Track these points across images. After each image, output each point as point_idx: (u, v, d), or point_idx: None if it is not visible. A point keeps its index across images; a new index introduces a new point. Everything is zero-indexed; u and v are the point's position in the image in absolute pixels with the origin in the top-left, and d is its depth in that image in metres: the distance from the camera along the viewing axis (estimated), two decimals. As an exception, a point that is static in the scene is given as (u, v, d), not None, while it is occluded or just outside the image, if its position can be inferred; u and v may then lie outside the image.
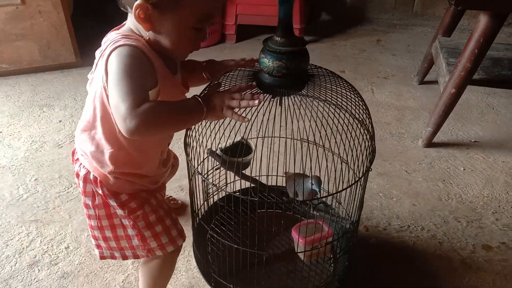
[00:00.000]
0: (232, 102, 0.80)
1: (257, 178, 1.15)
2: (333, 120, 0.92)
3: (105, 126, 0.88)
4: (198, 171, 0.97)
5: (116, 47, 0.78)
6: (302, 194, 0.99)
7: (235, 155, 0.97)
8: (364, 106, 0.97)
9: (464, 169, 1.67)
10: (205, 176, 0.98)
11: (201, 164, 1.10)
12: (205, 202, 1.19)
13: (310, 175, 0.98)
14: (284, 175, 1.23)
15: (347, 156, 0.98)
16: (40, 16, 2.19)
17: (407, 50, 2.74)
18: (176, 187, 1.52)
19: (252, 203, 1.15)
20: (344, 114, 0.94)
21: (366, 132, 0.98)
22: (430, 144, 1.80)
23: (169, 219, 0.99)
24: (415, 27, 3.10)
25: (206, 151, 1.06)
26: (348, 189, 0.97)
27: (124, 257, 1.02)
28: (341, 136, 0.92)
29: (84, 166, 0.95)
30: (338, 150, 0.97)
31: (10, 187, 1.55)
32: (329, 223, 1.07)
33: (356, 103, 0.96)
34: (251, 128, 0.93)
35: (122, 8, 0.84)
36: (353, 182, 0.95)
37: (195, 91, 0.94)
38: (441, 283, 1.22)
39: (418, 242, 1.35)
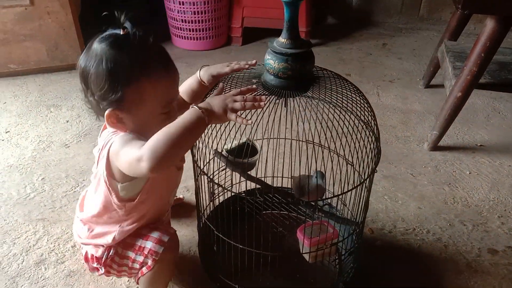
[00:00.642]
0: (235, 105, 0.81)
1: (263, 179, 1.15)
2: (338, 122, 0.92)
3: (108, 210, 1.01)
4: (203, 172, 0.98)
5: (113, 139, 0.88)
6: (307, 194, 0.99)
7: (241, 156, 0.98)
8: (369, 108, 0.97)
9: (470, 173, 1.67)
10: (211, 176, 0.99)
11: (207, 165, 1.11)
12: (211, 203, 1.19)
13: (315, 173, 0.98)
14: (290, 178, 1.23)
15: (352, 158, 0.99)
16: (48, 17, 2.21)
17: (413, 54, 2.74)
18: (182, 188, 1.53)
19: (258, 204, 1.15)
20: (350, 116, 0.95)
21: (371, 134, 0.98)
22: (435, 147, 1.80)
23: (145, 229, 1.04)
24: (421, 31, 3.10)
25: (211, 152, 1.07)
26: (354, 191, 0.98)
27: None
28: (346, 137, 0.92)
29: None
30: (344, 152, 0.97)
31: (18, 186, 1.56)
32: (334, 225, 1.08)
33: (362, 105, 0.96)
34: (256, 129, 0.94)
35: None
36: (358, 183, 0.96)
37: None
38: (446, 286, 1.22)
39: (424, 245, 1.35)
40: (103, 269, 1.07)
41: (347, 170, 0.98)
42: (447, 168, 1.70)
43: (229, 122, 0.91)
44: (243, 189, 1.21)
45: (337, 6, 3.23)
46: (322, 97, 0.93)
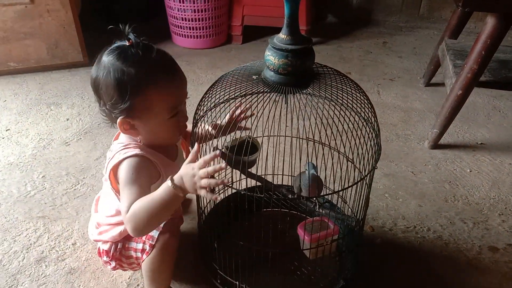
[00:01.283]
0: (202, 182, 0.83)
1: (263, 177, 1.15)
2: (338, 118, 0.92)
3: None
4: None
5: (122, 160, 0.94)
6: (307, 190, 0.99)
7: (241, 153, 0.98)
8: (369, 105, 0.97)
9: (470, 171, 1.67)
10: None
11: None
12: (211, 200, 1.19)
13: (306, 164, 0.98)
14: (291, 176, 1.23)
15: (352, 154, 0.99)
16: (48, 15, 2.21)
17: (413, 52, 2.74)
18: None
19: (258, 201, 1.15)
20: (350, 113, 0.94)
21: (371, 130, 0.98)
22: (436, 145, 1.79)
23: None
24: (421, 29, 3.10)
25: (212, 149, 1.07)
26: (354, 188, 0.98)
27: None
28: (346, 134, 0.92)
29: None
30: (344, 149, 0.97)
31: (18, 183, 1.56)
32: (335, 221, 1.08)
33: (362, 101, 0.96)
34: (256, 127, 0.94)
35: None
36: (359, 179, 0.96)
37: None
38: (447, 284, 1.22)
39: (424, 243, 1.35)
40: (113, 263, 1.11)
41: (347, 168, 0.98)
42: (448, 166, 1.69)
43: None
44: (244, 186, 1.22)
45: (337, 4, 3.22)
46: (323, 94, 0.93)
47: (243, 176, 1.18)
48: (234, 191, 1.23)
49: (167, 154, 1.05)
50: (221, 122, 1.05)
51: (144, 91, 0.90)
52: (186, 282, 1.21)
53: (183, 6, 2.58)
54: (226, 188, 1.25)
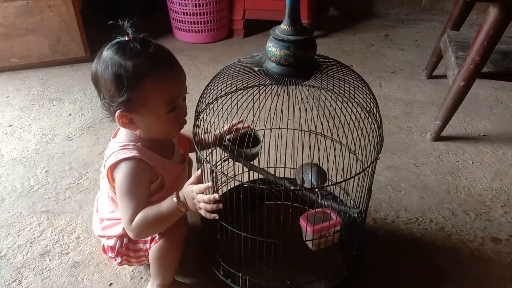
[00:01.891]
0: (200, 205, 0.92)
1: (266, 169, 1.16)
2: (341, 110, 0.92)
3: None
4: (207, 160, 0.98)
5: (120, 161, 0.97)
6: (309, 182, 0.99)
7: (243, 146, 0.98)
8: (371, 96, 0.97)
9: (472, 163, 1.67)
10: (214, 165, 0.99)
11: (210, 155, 1.11)
12: (214, 193, 1.19)
13: (311, 165, 0.99)
14: (293, 168, 1.23)
15: (355, 146, 0.99)
16: (50, 11, 2.21)
17: (415, 44, 2.73)
18: (185, 179, 1.53)
19: (261, 194, 1.16)
20: (352, 104, 0.94)
21: (374, 121, 0.98)
22: (438, 137, 1.79)
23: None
24: (423, 22, 3.09)
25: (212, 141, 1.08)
26: (356, 180, 0.98)
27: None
28: (349, 125, 0.92)
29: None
30: (346, 140, 0.97)
31: (21, 178, 1.57)
32: (337, 212, 1.08)
33: (363, 92, 0.96)
34: (259, 119, 0.94)
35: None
36: (361, 170, 0.96)
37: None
38: (449, 275, 1.22)
39: (427, 234, 1.35)
40: (119, 259, 1.12)
41: (349, 159, 0.98)
42: (450, 158, 1.69)
43: (231, 111, 0.96)
44: (246, 179, 1.22)
45: (339, -3, 3.21)
46: (325, 86, 0.93)
47: (245, 169, 1.19)
48: (237, 183, 1.24)
49: (164, 151, 1.06)
50: (220, 132, 1.08)
51: (140, 84, 0.91)
52: (189, 274, 1.21)
53: (184, 0, 2.58)
54: (230, 180, 1.25)
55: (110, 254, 1.12)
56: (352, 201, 1.16)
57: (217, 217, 0.93)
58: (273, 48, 0.88)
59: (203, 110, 1.01)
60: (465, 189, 1.53)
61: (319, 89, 0.95)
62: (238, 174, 1.25)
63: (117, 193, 0.98)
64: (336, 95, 0.93)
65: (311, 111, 0.92)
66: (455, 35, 1.95)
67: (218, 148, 1.13)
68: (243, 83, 0.94)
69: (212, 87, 1.00)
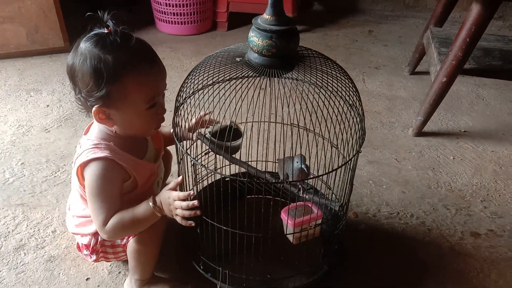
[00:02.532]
0: (177, 211, 0.93)
1: (247, 163, 1.14)
2: (323, 102, 0.91)
3: None
4: (187, 153, 0.96)
5: (91, 160, 0.94)
6: (291, 175, 0.98)
7: (224, 139, 0.96)
8: (354, 88, 0.96)
9: (453, 158, 1.68)
10: (195, 158, 0.97)
11: (190, 148, 1.09)
12: (194, 187, 1.17)
13: (295, 156, 0.97)
14: (275, 161, 1.22)
15: (337, 140, 0.98)
16: (28, -1, 2.14)
17: (399, 41, 2.74)
18: (165, 173, 1.50)
19: (242, 188, 1.14)
20: (335, 97, 0.93)
21: (356, 115, 0.97)
22: (420, 133, 1.80)
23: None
24: (407, 18, 3.10)
25: (195, 134, 1.05)
26: (338, 173, 0.97)
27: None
28: (331, 119, 0.91)
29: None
30: (329, 134, 0.96)
31: (-4, 170, 1.53)
32: (318, 206, 1.07)
33: (346, 84, 0.95)
34: (240, 110, 0.92)
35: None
36: (343, 163, 0.95)
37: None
38: (430, 268, 1.23)
39: (407, 229, 1.35)
40: (94, 256, 1.09)
41: (331, 154, 0.97)
42: (431, 153, 1.70)
43: (212, 100, 0.94)
44: (227, 173, 1.20)
45: (324, -8, 3.21)
46: (307, 79, 0.92)
47: (227, 162, 1.17)
48: (218, 176, 1.22)
49: (137, 148, 1.03)
50: (189, 125, 1.06)
51: (121, 79, 0.88)
52: (169, 268, 1.20)
53: (167, -9, 2.54)
54: (212, 173, 1.23)
55: (85, 252, 1.10)
56: (333, 195, 1.15)
57: (193, 224, 0.93)
58: (255, 38, 0.86)
59: (183, 102, 0.99)
60: (446, 184, 1.54)
61: (302, 82, 0.93)
62: (220, 168, 1.24)
63: (88, 194, 0.96)
64: (319, 88, 0.91)
65: (294, 105, 0.90)
66: (438, 31, 1.96)
67: (198, 141, 1.11)
68: (225, 74, 0.92)
69: (193, 78, 0.98)
